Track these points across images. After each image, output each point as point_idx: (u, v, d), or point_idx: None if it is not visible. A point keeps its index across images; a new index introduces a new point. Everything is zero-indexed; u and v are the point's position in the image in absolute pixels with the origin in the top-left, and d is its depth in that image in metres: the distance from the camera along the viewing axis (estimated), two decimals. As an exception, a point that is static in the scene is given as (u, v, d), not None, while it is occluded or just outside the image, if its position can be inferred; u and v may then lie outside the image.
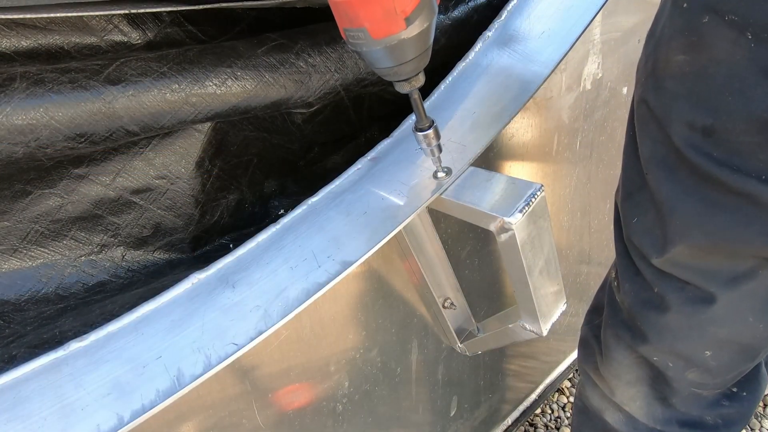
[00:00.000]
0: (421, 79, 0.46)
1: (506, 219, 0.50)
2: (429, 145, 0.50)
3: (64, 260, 0.55)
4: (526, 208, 0.50)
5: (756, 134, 0.44)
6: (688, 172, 0.49)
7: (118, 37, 0.52)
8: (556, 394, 1.48)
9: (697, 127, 0.47)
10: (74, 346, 0.45)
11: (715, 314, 0.54)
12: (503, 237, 0.52)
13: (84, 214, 0.55)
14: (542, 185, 0.52)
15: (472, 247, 0.77)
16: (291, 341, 0.58)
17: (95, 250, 0.56)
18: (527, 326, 0.64)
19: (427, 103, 0.61)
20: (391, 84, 0.47)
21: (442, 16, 0.65)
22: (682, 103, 0.49)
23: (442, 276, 0.71)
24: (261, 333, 0.46)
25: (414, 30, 0.41)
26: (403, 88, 0.46)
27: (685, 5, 0.47)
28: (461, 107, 0.60)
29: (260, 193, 0.66)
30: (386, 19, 0.40)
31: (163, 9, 0.51)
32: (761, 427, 1.31)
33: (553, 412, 1.44)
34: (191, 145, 0.58)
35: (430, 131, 0.49)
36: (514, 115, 0.58)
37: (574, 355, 1.30)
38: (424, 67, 0.45)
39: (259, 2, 0.53)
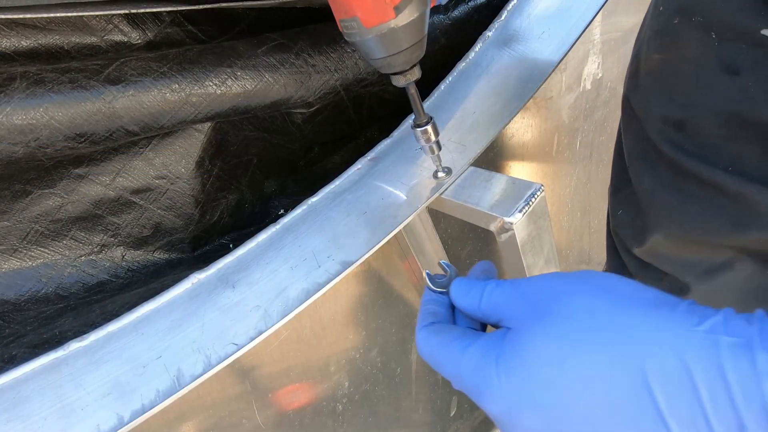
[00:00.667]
0: (416, 73, 0.46)
1: (506, 219, 0.50)
2: (428, 141, 0.50)
3: (64, 260, 0.55)
4: (526, 208, 0.50)
5: (722, 128, 0.46)
6: (664, 165, 0.52)
7: (118, 37, 0.52)
8: (556, 394, 1.47)
9: (671, 121, 0.50)
10: (74, 346, 0.45)
11: None
12: (503, 237, 0.52)
13: (84, 214, 0.55)
14: (542, 185, 0.52)
15: (472, 247, 0.77)
16: (291, 341, 0.59)
17: (95, 250, 0.56)
18: (527, 326, 0.63)
19: (427, 103, 0.61)
20: (388, 79, 0.47)
21: (442, 16, 0.65)
22: (657, 100, 0.52)
23: (442, 276, 0.71)
24: (261, 333, 0.46)
25: (404, 19, 0.42)
26: (399, 82, 0.46)
27: (661, 8, 0.50)
28: (461, 107, 0.60)
29: (260, 193, 0.66)
30: (376, 8, 0.40)
31: (163, 9, 0.51)
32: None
33: (553, 412, 1.44)
34: (191, 145, 0.58)
35: (428, 127, 0.49)
36: (514, 115, 0.58)
37: (574, 355, 1.30)
38: (419, 61, 0.46)
39: (259, 2, 0.53)
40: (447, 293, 0.39)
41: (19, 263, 0.54)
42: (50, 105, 0.45)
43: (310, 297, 0.47)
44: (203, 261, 0.53)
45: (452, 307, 0.39)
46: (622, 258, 0.63)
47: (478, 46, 0.64)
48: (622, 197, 0.61)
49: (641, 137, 0.54)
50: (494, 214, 0.51)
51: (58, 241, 0.55)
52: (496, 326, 0.35)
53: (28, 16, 0.46)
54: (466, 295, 0.36)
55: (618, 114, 0.93)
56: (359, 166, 0.57)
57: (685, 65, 0.48)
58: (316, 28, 0.58)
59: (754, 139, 0.46)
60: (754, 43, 0.43)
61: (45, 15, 0.47)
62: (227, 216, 0.63)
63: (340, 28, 0.44)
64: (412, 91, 0.47)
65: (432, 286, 0.40)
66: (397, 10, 0.41)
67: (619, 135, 0.62)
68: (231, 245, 0.62)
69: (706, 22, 0.45)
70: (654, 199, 0.54)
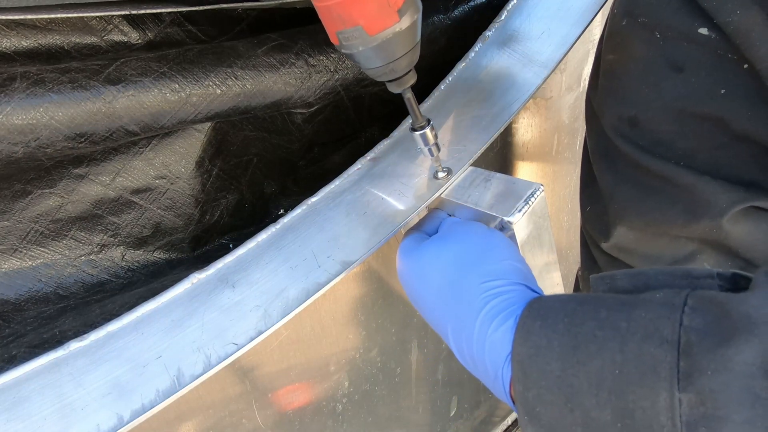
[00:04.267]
0: (413, 77, 0.46)
1: (506, 218, 0.50)
2: (426, 144, 0.50)
3: (64, 260, 0.55)
4: (526, 207, 0.50)
5: (671, 123, 0.49)
6: (622, 160, 0.54)
7: (118, 37, 0.52)
8: (556, 395, 1.47)
9: (624, 118, 0.53)
10: (74, 345, 0.45)
11: None
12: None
13: (84, 214, 0.55)
14: (542, 185, 0.52)
15: (472, 247, 0.77)
16: (291, 341, 0.59)
17: (95, 249, 0.56)
18: (527, 326, 0.64)
19: (426, 104, 0.61)
20: (385, 85, 0.47)
21: (442, 16, 0.65)
22: (611, 98, 0.54)
23: (442, 276, 0.70)
24: (261, 333, 0.46)
25: (406, 22, 0.41)
26: (398, 87, 0.46)
27: (615, 11, 0.53)
28: (461, 107, 0.60)
29: (260, 193, 0.66)
30: (380, 13, 0.40)
31: (163, 10, 0.51)
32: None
33: (553, 412, 1.44)
34: (191, 145, 0.58)
35: (427, 130, 0.49)
36: (514, 115, 0.58)
37: (574, 355, 1.30)
38: (415, 65, 0.46)
39: (259, 3, 0.53)
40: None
41: (19, 263, 0.54)
42: (50, 105, 0.45)
43: (310, 297, 0.48)
44: (203, 261, 0.53)
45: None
46: (593, 254, 0.64)
47: (477, 46, 0.64)
48: (589, 193, 0.63)
49: (601, 134, 0.57)
50: (494, 214, 0.51)
51: (58, 241, 0.55)
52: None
53: (30, 16, 0.46)
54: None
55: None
56: (359, 166, 0.57)
57: (634, 64, 0.51)
58: (316, 28, 0.58)
59: (701, 133, 0.48)
60: (695, 41, 0.45)
61: (46, 16, 0.47)
62: (227, 216, 0.63)
63: (335, 40, 0.42)
64: (409, 96, 0.47)
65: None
66: (401, 13, 0.41)
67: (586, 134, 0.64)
68: (231, 245, 0.62)
69: (651, 22, 0.48)
70: (615, 194, 0.56)
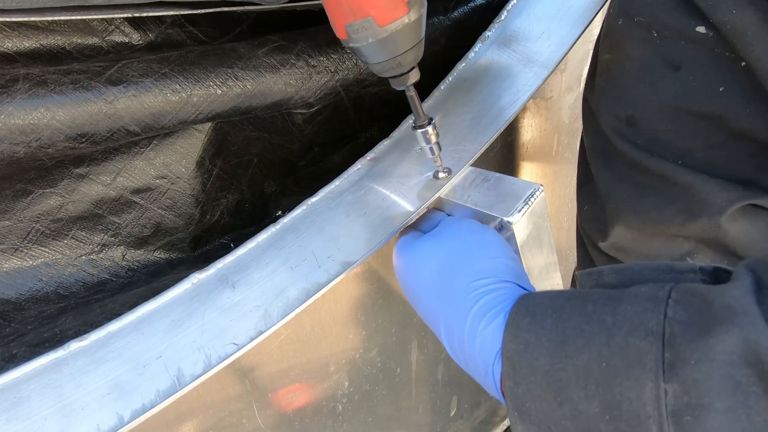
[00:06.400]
0: (416, 74, 0.46)
1: (505, 219, 0.50)
2: (428, 142, 0.50)
3: (65, 259, 0.55)
4: (526, 208, 0.51)
5: (669, 122, 0.49)
6: (620, 159, 0.54)
7: (119, 38, 0.53)
8: (557, 395, 1.47)
9: (622, 117, 0.53)
10: (74, 345, 0.45)
11: None
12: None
13: (85, 214, 0.55)
14: (542, 185, 0.52)
15: (472, 248, 0.77)
16: (291, 341, 0.59)
17: (96, 249, 0.57)
18: (527, 326, 0.64)
19: (426, 104, 0.61)
20: (387, 83, 0.47)
21: (442, 17, 0.65)
22: (608, 97, 0.54)
23: (442, 276, 0.70)
24: (261, 333, 0.46)
25: (414, 15, 0.42)
26: (401, 84, 0.46)
27: (611, 11, 0.53)
28: (460, 108, 0.60)
29: (260, 193, 0.66)
30: (391, 4, 0.40)
31: (164, 13, 0.51)
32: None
33: (553, 412, 1.43)
34: (192, 145, 0.58)
35: (429, 128, 0.49)
36: (514, 115, 0.59)
37: (575, 355, 1.30)
38: (418, 62, 0.46)
39: (259, 7, 0.53)
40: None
41: (19, 262, 0.54)
42: (52, 105, 0.46)
43: (310, 297, 0.48)
44: (203, 261, 0.53)
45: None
46: (590, 253, 0.64)
47: (477, 47, 0.64)
48: (586, 192, 0.62)
49: (598, 134, 0.57)
50: (494, 214, 0.51)
51: (59, 241, 0.55)
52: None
53: (33, 18, 0.46)
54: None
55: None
56: (359, 166, 0.57)
57: (630, 63, 0.51)
58: (317, 30, 0.58)
59: (699, 131, 0.48)
60: (692, 40, 0.45)
61: (49, 18, 0.47)
62: (227, 216, 0.63)
63: (343, 34, 0.43)
64: (412, 93, 0.47)
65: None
66: (410, 5, 0.41)
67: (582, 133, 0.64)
68: (231, 245, 0.62)
69: (647, 21, 0.48)
70: (612, 193, 0.56)
